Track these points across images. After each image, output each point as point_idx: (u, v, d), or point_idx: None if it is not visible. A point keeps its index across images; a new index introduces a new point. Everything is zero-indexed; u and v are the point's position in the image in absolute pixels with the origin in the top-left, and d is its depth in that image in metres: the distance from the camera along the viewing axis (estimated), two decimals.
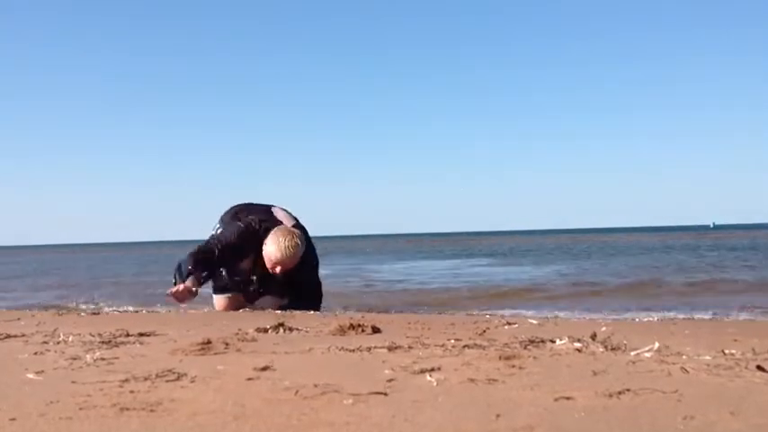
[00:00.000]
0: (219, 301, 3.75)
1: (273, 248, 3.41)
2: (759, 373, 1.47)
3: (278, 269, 3.44)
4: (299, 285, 3.65)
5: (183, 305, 3.50)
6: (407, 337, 2.18)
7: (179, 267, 3.47)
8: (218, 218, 3.78)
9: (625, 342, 1.91)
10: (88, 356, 1.79)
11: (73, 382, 1.44)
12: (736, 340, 2.07)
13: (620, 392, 1.27)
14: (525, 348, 1.88)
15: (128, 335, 2.29)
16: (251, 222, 3.57)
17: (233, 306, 3.74)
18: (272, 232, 3.47)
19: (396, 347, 1.91)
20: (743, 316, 3.71)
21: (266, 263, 3.47)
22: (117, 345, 2.06)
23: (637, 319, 3.12)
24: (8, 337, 2.31)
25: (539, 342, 1.99)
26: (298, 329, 2.39)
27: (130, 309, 4.07)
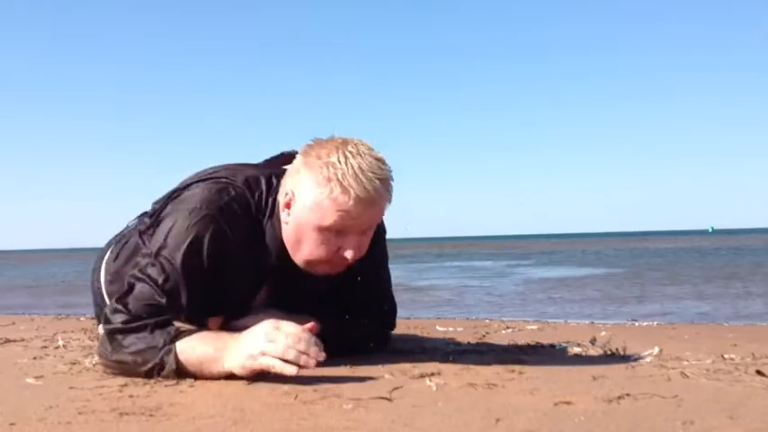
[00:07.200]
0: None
1: (339, 189, 1.46)
2: (758, 378, 1.47)
3: (363, 235, 1.56)
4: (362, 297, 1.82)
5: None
6: (407, 341, 2.18)
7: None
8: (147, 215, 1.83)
9: (624, 347, 1.91)
10: (87, 361, 1.79)
11: (71, 387, 1.44)
12: (735, 345, 2.08)
13: (619, 397, 1.27)
14: (525, 353, 1.88)
15: None
16: (230, 189, 1.59)
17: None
18: (303, 164, 1.55)
19: (395, 351, 1.90)
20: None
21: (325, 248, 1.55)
22: None
23: (636, 324, 3.12)
24: (8, 341, 2.32)
25: (538, 347, 1.99)
26: None
27: None
